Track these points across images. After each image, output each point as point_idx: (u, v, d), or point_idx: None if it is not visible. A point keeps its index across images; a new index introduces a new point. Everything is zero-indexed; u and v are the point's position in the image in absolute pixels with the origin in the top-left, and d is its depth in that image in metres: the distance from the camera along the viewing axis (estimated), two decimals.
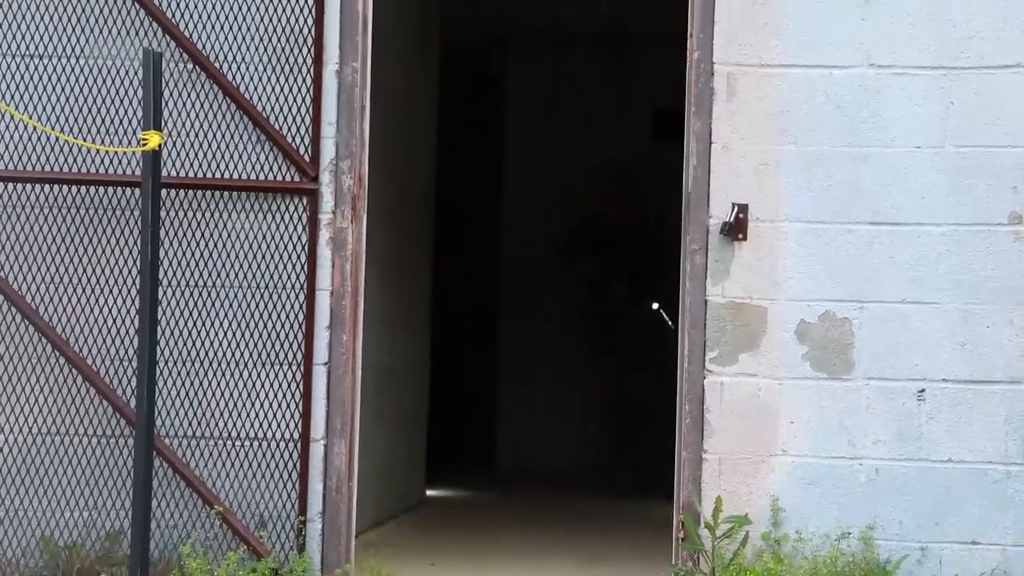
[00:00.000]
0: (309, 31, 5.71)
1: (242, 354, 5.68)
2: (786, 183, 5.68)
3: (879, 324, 5.64)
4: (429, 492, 8.28)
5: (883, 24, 5.65)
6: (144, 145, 5.15)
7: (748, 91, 5.68)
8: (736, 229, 5.67)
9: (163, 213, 5.56)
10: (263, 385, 5.67)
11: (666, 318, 7.49)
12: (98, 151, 5.67)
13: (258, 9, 5.72)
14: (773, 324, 5.66)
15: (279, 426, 5.66)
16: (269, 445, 5.66)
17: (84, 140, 5.65)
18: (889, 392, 5.64)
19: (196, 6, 5.71)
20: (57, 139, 5.67)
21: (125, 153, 5.67)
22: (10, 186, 5.69)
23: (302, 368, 5.66)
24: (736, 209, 5.67)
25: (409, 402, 7.88)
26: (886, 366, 5.64)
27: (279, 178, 5.71)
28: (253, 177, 5.72)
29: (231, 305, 5.69)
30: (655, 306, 7.81)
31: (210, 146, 5.72)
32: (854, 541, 5.56)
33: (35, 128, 5.66)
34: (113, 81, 5.72)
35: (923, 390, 5.63)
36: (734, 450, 5.63)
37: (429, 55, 8.18)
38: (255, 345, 5.68)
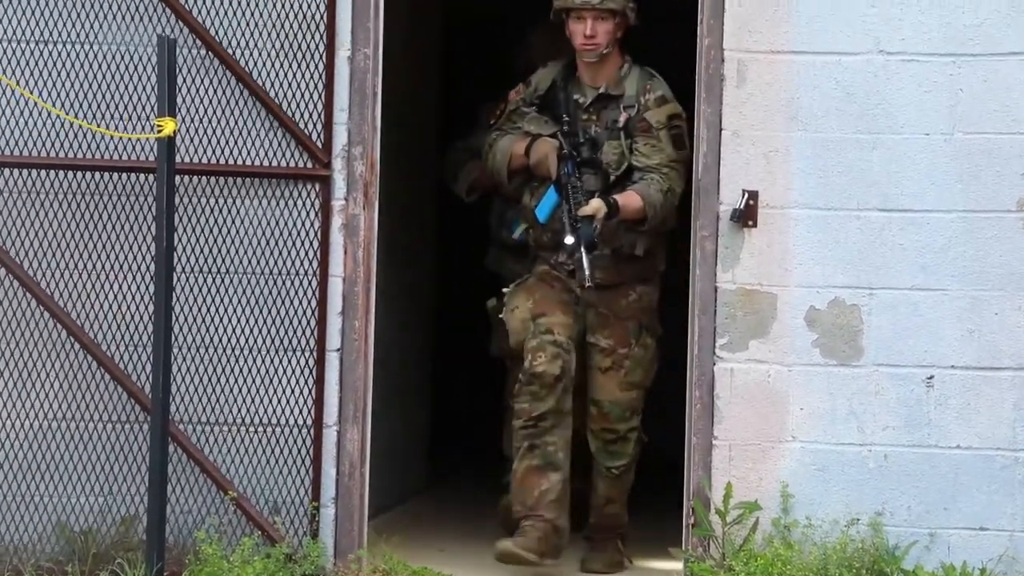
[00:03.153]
0: (321, 17, 5.74)
1: (255, 340, 5.72)
2: (796, 169, 5.71)
3: (888, 310, 5.68)
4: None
5: (892, 11, 5.67)
6: (159, 132, 5.18)
7: (758, 77, 5.71)
8: (746, 216, 5.70)
9: (177, 199, 5.59)
10: (276, 371, 5.71)
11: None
12: (112, 137, 5.69)
13: None
14: (783, 310, 5.70)
15: (292, 412, 5.70)
16: (282, 431, 5.70)
17: (98, 127, 5.67)
18: (898, 378, 5.68)
19: None
20: (72, 125, 5.69)
21: (140, 139, 5.69)
22: (25, 171, 5.72)
23: (315, 354, 5.70)
24: (746, 196, 5.70)
25: (414, 386, 7.92)
26: (895, 352, 5.68)
27: (292, 164, 5.74)
28: (266, 163, 5.75)
29: (244, 291, 5.72)
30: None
31: (223, 132, 5.75)
32: (863, 527, 5.60)
33: (50, 114, 5.68)
34: (126, 67, 5.74)
35: (932, 376, 5.67)
36: (744, 436, 5.67)
37: (433, 36, 8.18)
38: (268, 332, 5.72)
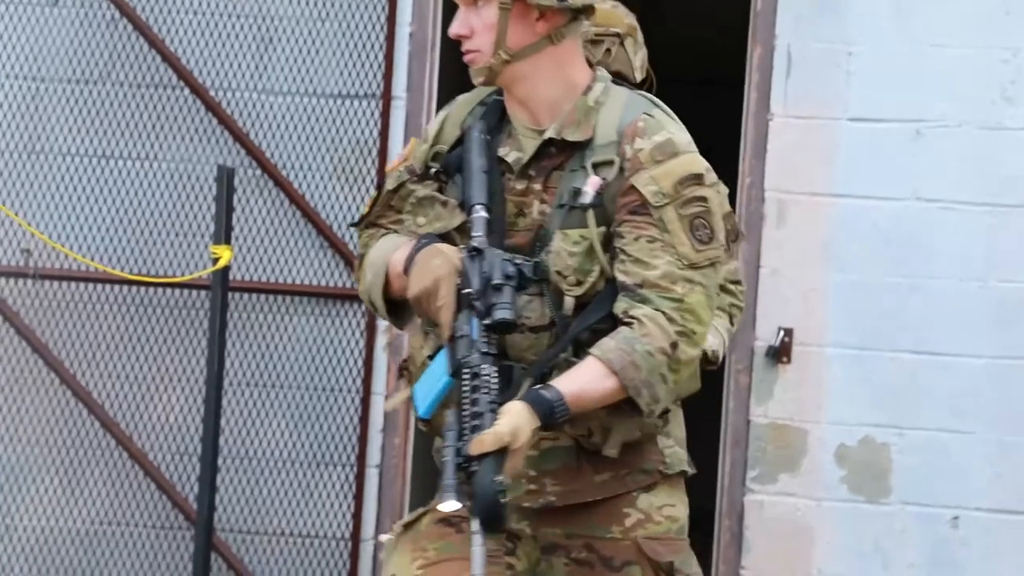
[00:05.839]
0: (374, 142, 5.91)
1: (299, 453, 5.88)
2: (832, 309, 5.84)
3: (917, 451, 5.79)
4: None
5: (931, 160, 5.80)
6: (216, 262, 5.36)
7: (798, 218, 5.85)
8: (781, 352, 5.83)
9: (227, 314, 5.75)
10: (317, 484, 5.87)
11: None
12: (167, 251, 5.87)
13: (326, 121, 5.92)
14: (813, 446, 5.82)
15: (331, 525, 5.85)
16: (320, 543, 5.84)
17: (152, 242, 5.86)
18: (924, 518, 5.78)
19: (266, 115, 5.92)
20: (128, 240, 5.88)
21: (194, 252, 5.87)
22: (81, 284, 5.91)
23: (355, 469, 5.85)
24: (782, 333, 5.83)
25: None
26: (922, 492, 5.78)
27: (340, 284, 5.91)
28: (315, 283, 5.92)
29: (290, 405, 5.89)
30: None
31: (275, 251, 5.92)
32: None
33: (109, 229, 5.87)
34: (183, 181, 5.93)
35: (957, 517, 5.77)
36: (771, 569, 5.78)
37: None
38: (311, 445, 5.87)
